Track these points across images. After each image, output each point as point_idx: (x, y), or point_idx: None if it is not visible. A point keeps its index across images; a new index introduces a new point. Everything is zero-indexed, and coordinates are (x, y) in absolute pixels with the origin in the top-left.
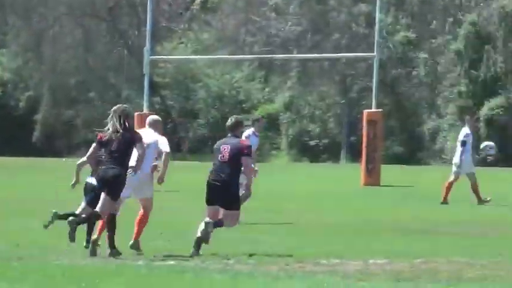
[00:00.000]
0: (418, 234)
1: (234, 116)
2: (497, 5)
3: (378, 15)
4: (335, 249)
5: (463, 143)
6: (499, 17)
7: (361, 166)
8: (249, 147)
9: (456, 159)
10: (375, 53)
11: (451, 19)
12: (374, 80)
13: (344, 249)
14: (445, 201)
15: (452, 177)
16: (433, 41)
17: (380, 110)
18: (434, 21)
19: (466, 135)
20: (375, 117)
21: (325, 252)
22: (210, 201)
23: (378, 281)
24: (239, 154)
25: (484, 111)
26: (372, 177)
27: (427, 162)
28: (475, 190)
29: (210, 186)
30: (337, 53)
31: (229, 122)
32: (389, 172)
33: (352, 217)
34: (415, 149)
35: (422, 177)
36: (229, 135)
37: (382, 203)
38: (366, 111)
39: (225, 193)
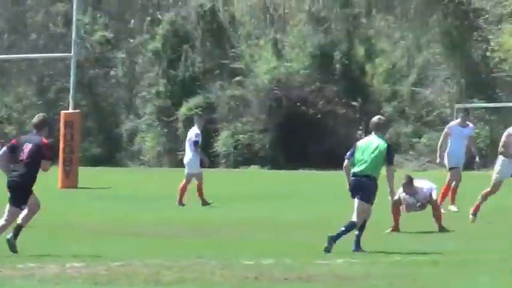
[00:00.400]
0: (115, 236)
1: (42, 113)
2: (195, 3)
3: (75, 14)
4: (32, 253)
5: (195, 143)
6: (196, 15)
7: (59, 168)
8: (51, 148)
9: (187, 159)
10: (72, 53)
11: (149, 18)
12: (71, 81)
13: (42, 252)
14: (181, 203)
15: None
16: (131, 40)
17: (77, 111)
18: (132, 21)
19: (197, 135)
20: (72, 118)
21: (22, 256)
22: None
23: (75, 285)
24: (39, 155)
25: (183, 111)
26: (70, 179)
27: (124, 164)
28: (199, 190)
29: (10, 185)
30: (35, 53)
31: (35, 119)
32: (87, 174)
33: (50, 220)
34: (113, 150)
35: (120, 178)
36: (33, 132)
37: (80, 205)
38: (63, 112)
39: (20, 190)
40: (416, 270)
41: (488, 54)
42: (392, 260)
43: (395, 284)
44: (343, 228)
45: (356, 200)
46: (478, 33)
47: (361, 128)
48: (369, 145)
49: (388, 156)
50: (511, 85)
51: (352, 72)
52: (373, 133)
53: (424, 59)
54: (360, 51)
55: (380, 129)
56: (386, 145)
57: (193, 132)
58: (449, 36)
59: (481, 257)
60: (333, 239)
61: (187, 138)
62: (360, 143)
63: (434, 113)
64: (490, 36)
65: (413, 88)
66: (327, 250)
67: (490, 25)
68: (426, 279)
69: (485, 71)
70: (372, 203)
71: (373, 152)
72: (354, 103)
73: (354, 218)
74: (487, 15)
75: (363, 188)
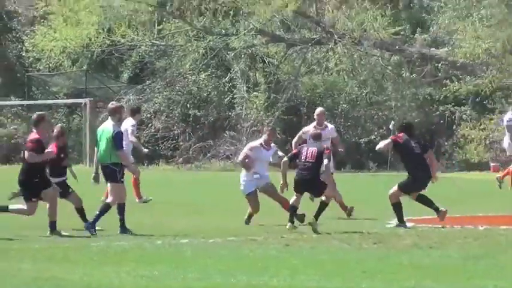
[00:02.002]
0: None
1: None
2: None
3: None
4: None
5: None
6: None
7: None
8: None
9: None
10: None
11: None
12: None
13: None
14: None
15: None
16: None
17: None
18: None
19: None
20: None
21: None
22: None
23: None
24: None
25: None
26: None
27: None
28: None
29: None
30: None
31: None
32: None
33: None
34: None
35: None
36: None
37: None
38: None
39: None
40: None
41: (23, 54)
42: None
43: None
44: (97, 212)
45: (108, 184)
46: (13, 34)
47: None
48: (102, 133)
49: (113, 142)
50: (46, 83)
51: None
52: (109, 118)
53: None
54: None
55: (113, 114)
56: (112, 132)
57: None
58: None
59: (23, 246)
60: (91, 224)
61: None
62: (99, 129)
63: None
64: (24, 37)
65: None
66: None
67: (24, 27)
68: None
69: (20, 70)
70: (122, 182)
71: (105, 141)
72: None
73: (109, 200)
74: (20, 17)
75: (109, 174)
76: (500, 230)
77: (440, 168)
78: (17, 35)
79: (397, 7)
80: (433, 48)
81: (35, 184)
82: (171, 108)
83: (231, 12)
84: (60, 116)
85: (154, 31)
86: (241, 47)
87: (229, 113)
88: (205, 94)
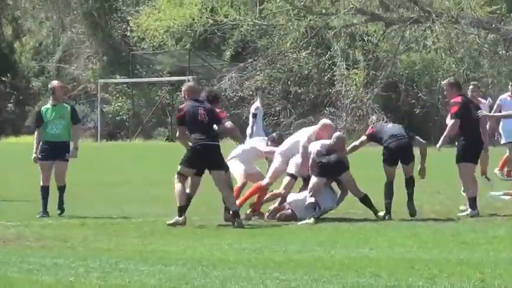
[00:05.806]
0: None
1: None
2: None
3: None
4: None
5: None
6: None
7: None
8: None
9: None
10: None
11: None
12: None
13: None
14: None
15: None
16: None
17: None
18: None
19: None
20: None
21: None
22: None
23: None
24: None
25: None
26: None
27: None
28: None
29: None
30: None
31: None
32: None
33: None
34: None
35: None
36: None
37: None
38: None
39: None
40: (66, 231)
41: (128, 34)
42: (44, 223)
43: (48, 245)
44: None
45: None
46: (118, 14)
47: (11, 101)
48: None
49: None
50: (150, 62)
51: (2, 49)
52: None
53: (68, 38)
54: (8, 30)
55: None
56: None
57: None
58: (90, 17)
59: (127, 221)
60: None
61: None
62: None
63: (80, 88)
64: (129, 18)
65: (59, 64)
66: None
67: (129, 7)
68: (75, 239)
69: (125, 49)
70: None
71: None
72: (4, 78)
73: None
74: None
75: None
76: None
77: None
78: (122, 16)
79: None
80: None
81: None
82: (272, 85)
83: None
84: (164, 93)
85: (256, 11)
86: (340, 26)
87: (329, 90)
88: (305, 72)
